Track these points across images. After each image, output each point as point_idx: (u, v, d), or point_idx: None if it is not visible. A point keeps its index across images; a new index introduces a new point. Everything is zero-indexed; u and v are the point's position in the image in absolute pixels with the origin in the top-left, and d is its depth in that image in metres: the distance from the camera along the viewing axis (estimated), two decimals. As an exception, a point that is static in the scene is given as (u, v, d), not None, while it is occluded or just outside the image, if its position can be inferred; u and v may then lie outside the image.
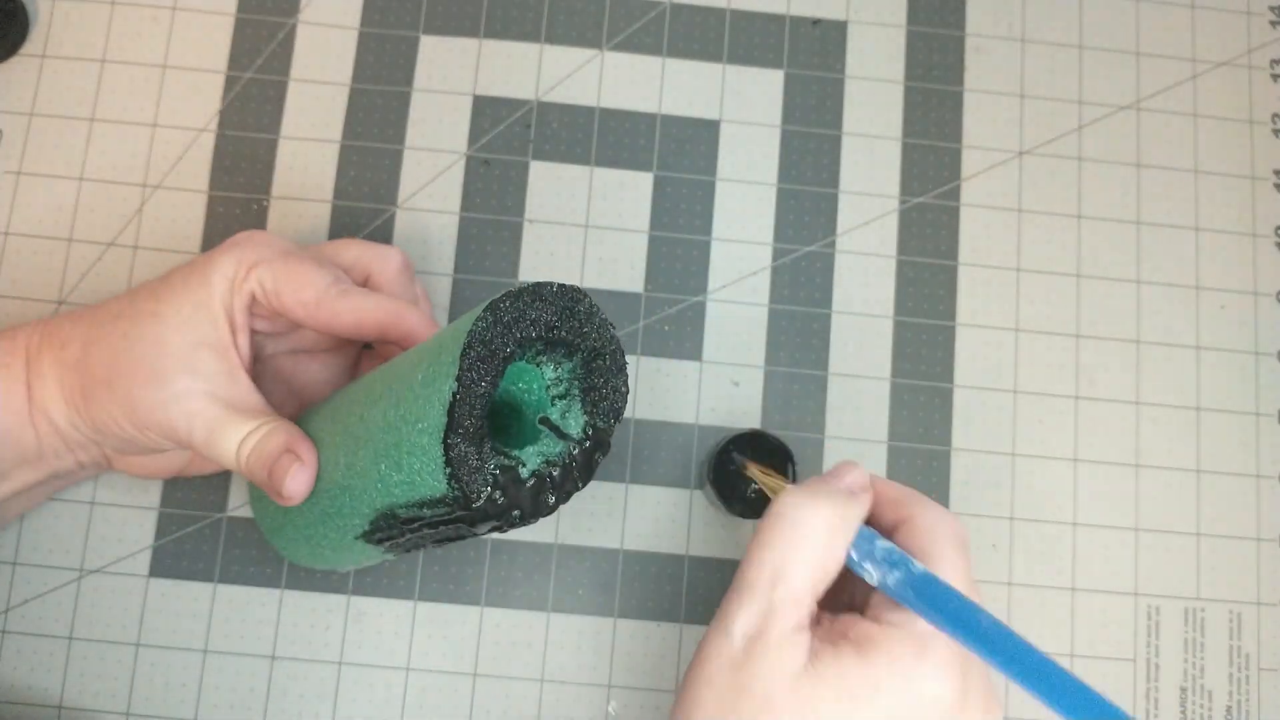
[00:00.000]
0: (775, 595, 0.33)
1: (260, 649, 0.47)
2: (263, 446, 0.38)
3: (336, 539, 0.40)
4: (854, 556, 0.34)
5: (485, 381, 0.34)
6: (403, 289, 0.43)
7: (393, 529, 0.37)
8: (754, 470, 0.44)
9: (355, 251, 0.43)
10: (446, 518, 0.35)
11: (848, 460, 0.37)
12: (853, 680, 0.32)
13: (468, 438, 0.33)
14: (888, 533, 0.36)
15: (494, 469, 0.34)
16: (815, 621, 0.34)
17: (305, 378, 0.45)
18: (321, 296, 0.39)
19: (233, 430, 0.38)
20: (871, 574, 0.33)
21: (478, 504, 0.33)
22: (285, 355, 0.45)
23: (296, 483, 0.38)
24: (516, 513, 0.34)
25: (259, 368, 0.44)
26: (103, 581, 0.47)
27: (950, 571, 0.33)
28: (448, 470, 0.33)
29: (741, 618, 0.33)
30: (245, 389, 0.39)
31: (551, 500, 0.35)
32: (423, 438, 0.34)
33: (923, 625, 0.32)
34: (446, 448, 0.33)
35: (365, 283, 0.43)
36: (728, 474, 0.46)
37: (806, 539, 0.33)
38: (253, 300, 0.40)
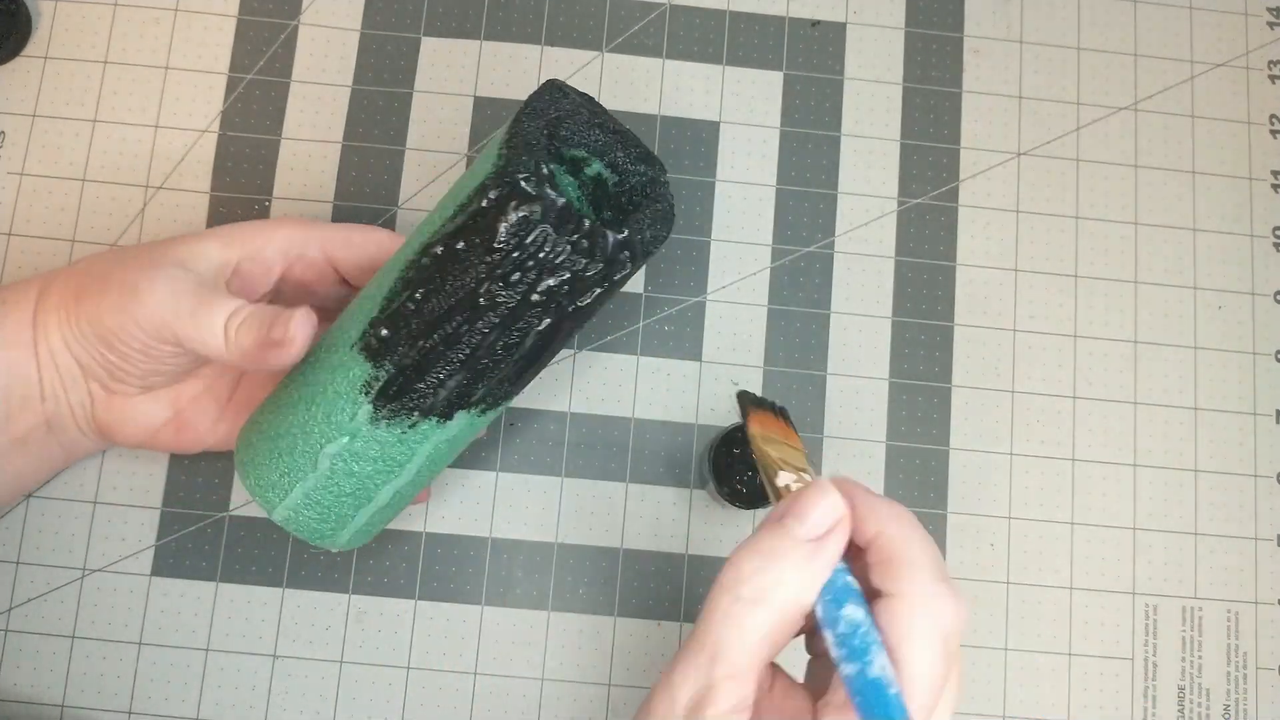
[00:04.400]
0: (715, 672, 0.30)
1: (262, 648, 0.47)
2: (258, 314, 0.39)
3: (330, 385, 0.39)
4: (819, 615, 0.30)
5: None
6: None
7: (411, 316, 0.37)
8: (758, 439, 0.36)
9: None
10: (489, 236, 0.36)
11: (820, 483, 0.32)
12: None
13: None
14: (859, 552, 0.32)
15: (547, 171, 0.36)
16: (769, 687, 0.32)
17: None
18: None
19: (220, 305, 0.39)
20: (831, 648, 0.30)
21: (523, 180, 0.35)
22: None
23: (303, 327, 0.38)
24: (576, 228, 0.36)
25: None
26: (105, 581, 0.47)
27: (918, 669, 0.29)
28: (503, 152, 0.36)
29: (686, 686, 0.30)
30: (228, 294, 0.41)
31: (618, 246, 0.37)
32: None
33: None
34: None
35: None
36: (729, 464, 0.46)
37: (753, 617, 0.30)
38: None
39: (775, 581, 0.30)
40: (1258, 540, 0.50)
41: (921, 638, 0.29)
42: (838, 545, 0.31)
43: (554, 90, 0.40)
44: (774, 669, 0.32)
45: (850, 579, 0.31)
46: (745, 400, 0.38)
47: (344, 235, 0.43)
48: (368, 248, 0.43)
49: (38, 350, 0.41)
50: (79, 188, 0.50)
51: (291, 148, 0.51)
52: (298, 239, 0.43)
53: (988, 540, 0.49)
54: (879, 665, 0.29)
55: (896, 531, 0.31)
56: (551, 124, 0.40)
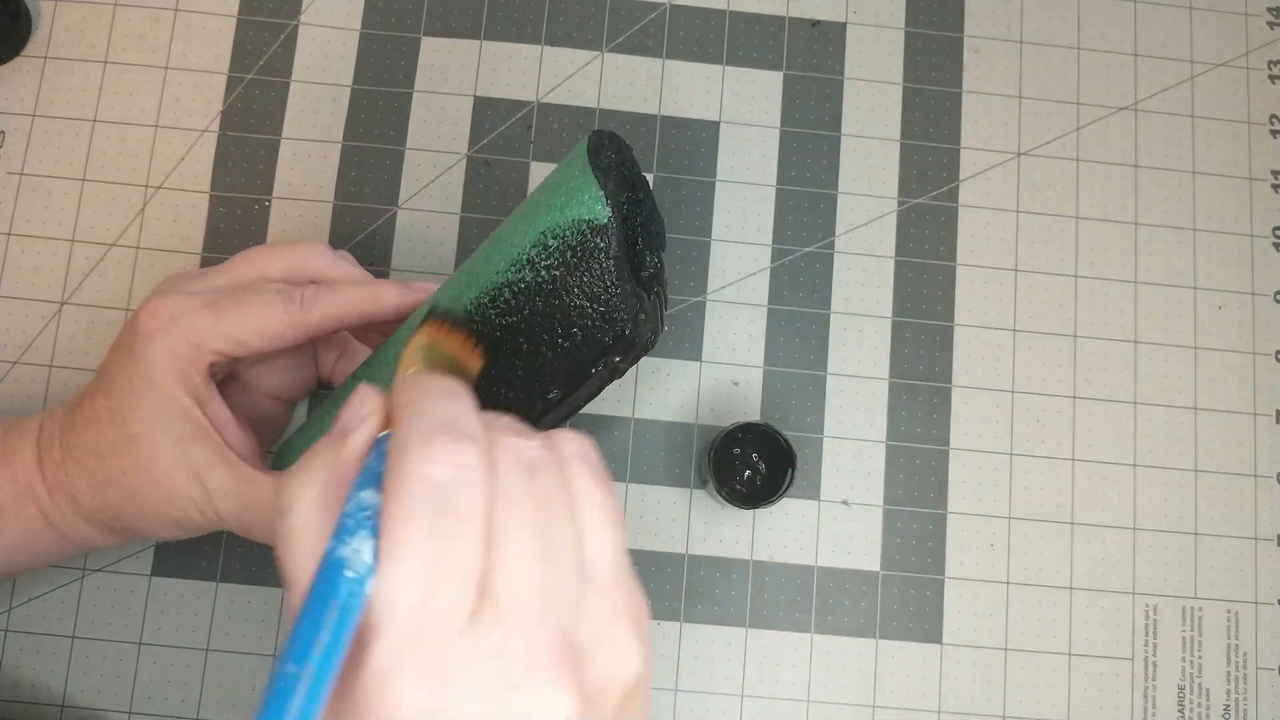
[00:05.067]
0: (293, 601, 0.27)
1: (262, 647, 0.47)
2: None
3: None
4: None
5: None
6: (346, 271, 0.42)
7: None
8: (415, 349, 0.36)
9: (283, 262, 0.42)
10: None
11: (361, 385, 0.30)
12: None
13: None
14: None
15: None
16: None
17: (274, 383, 0.45)
18: (285, 320, 0.39)
19: (252, 512, 0.39)
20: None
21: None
22: (247, 372, 0.44)
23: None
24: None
25: (235, 397, 0.44)
26: (105, 580, 0.47)
27: (393, 540, 0.25)
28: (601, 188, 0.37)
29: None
30: (237, 464, 0.39)
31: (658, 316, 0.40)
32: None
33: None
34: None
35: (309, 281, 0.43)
36: (729, 464, 0.46)
37: (290, 526, 0.27)
38: (211, 366, 0.39)
39: (302, 483, 0.28)
40: (1258, 540, 0.50)
41: (394, 501, 0.25)
42: (364, 431, 0.28)
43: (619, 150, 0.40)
44: None
45: None
46: (432, 314, 0.38)
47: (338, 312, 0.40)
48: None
49: (68, 540, 0.41)
50: (79, 188, 0.50)
51: (291, 148, 0.51)
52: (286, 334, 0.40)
53: (988, 540, 0.49)
54: (354, 548, 0.25)
55: (398, 398, 0.28)
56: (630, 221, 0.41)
